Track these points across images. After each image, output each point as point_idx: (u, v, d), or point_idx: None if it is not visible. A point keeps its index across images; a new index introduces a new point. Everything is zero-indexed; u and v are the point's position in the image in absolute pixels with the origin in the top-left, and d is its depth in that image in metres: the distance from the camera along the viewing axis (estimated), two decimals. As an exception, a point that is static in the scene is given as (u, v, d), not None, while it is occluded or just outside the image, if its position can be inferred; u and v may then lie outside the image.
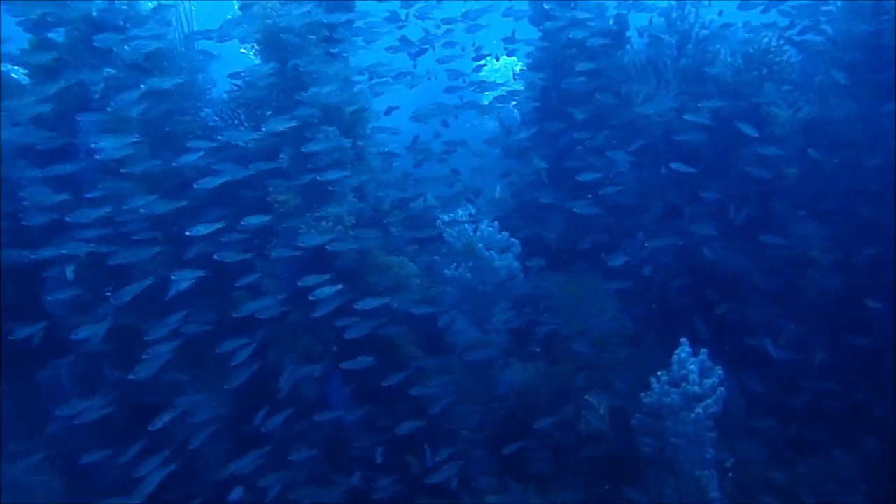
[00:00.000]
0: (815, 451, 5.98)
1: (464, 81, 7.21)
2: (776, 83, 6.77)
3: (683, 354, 5.59)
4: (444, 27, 7.46)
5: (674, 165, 6.42)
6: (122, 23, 6.11)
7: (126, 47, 5.89)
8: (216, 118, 6.71)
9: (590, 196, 6.66)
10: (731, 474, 5.74)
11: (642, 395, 5.69)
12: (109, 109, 5.68)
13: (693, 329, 6.48)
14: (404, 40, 7.36)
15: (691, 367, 5.55)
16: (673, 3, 7.42)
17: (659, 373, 5.65)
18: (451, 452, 5.75)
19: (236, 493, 5.24)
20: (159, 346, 5.25)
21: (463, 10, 7.23)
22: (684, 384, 5.52)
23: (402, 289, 6.23)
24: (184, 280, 5.42)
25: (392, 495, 5.58)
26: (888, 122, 6.37)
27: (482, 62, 8.51)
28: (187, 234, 5.51)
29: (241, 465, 5.32)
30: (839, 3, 6.93)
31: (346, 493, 5.63)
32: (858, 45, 6.76)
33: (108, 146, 5.42)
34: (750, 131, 6.27)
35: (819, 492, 5.58)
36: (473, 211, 6.76)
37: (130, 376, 5.18)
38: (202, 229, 5.52)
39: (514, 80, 7.72)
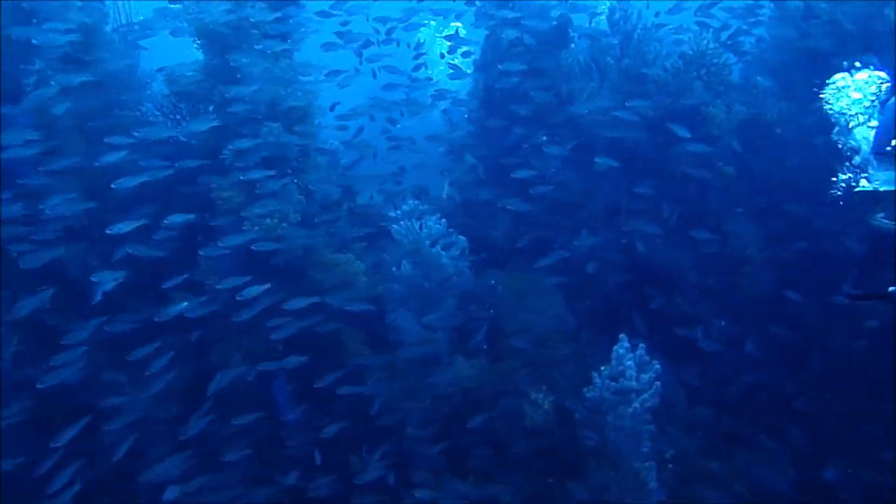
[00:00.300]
0: (747, 441, 6.20)
1: (408, 79, 7.22)
2: (713, 84, 6.97)
3: (622, 350, 5.70)
4: (387, 25, 7.48)
5: (598, 160, 6.52)
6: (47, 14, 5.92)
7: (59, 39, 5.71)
8: (157, 112, 6.57)
9: (530, 193, 6.73)
10: (670, 465, 5.89)
11: (585, 390, 5.80)
12: (31, 103, 5.52)
13: (632, 325, 6.65)
14: (345, 36, 7.34)
15: (628, 362, 5.67)
16: (615, 4, 7.57)
17: (601, 368, 5.76)
18: (390, 450, 5.77)
19: (171, 492, 5.16)
20: (71, 352, 5.13)
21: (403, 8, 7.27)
22: (622, 379, 5.65)
23: (348, 286, 6.21)
24: (107, 281, 5.31)
25: (329, 494, 5.58)
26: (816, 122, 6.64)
27: (421, 59, 8.52)
28: (108, 231, 5.41)
29: (167, 467, 5.24)
30: (771, 6, 7.16)
31: (282, 492, 5.60)
32: (789, 48, 7.01)
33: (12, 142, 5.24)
34: (682, 132, 6.43)
35: (750, 480, 5.78)
36: (421, 207, 6.77)
37: (39, 385, 5.05)
38: (124, 227, 5.42)
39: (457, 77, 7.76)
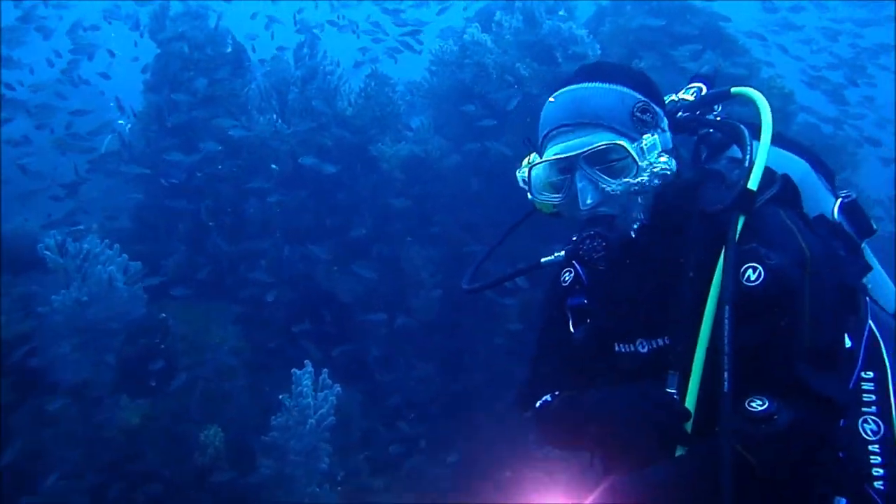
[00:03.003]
0: (415, 453, 6.70)
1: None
2: (387, 121, 7.50)
3: (299, 371, 5.83)
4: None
5: (253, 184, 6.63)
6: None
7: None
8: None
9: (211, 224, 6.60)
10: (339, 488, 6.12)
11: (272, 417, 5.79)
12: None
13: (308, 351, 6.82)
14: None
15: (305, 383, 5.81)
16: (303, 39, 7.81)
17: (282, 396, 5.81)
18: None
19: None
20: None
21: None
22: (300, 398, 5.76)
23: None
24: None
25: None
26: (471, 159, 7.49)
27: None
28: None
29: None
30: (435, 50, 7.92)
31: None
32: (452, 88, 7.80)
33: None
34: (328, 168, 6.83)
35: (413, 490, 6.25)
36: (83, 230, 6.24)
37: None
38: None
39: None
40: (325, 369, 5.88)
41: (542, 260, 2.06)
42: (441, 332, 7.64)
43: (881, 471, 1.72)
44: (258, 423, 6.16)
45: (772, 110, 1.92)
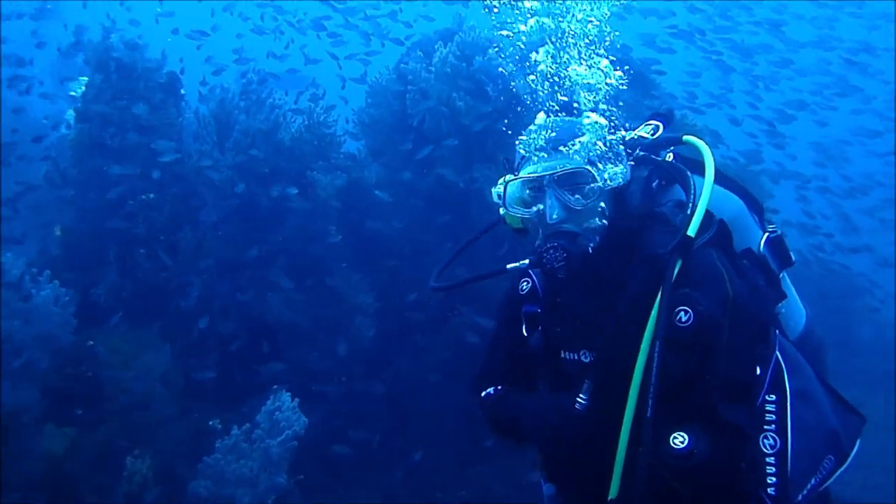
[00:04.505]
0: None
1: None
2: (324, 150, 7.63)
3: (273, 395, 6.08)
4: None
5: (187, 212, 6.70)
6: None
7: None
8: None
9: (143, 251, 6.60)
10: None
11: (220, 441, 5.90)
12: None
13: (253, 375, 6.86)
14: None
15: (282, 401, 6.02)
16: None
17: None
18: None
19: None
20: None
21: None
22: (277, 413, 5.99)
23: None
24: None
25: None
26: (406, 188, 7.67)
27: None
28: None
29: None
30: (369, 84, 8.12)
31: None
32: (388, 121, 8.00)
33: None
34: (291, 190, 6.94)
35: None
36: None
37: None
38: None
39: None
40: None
41: (508, 266, 2.29)
42: (381, 353, 7.77)
43: (774, 479, 2.01)
44: (188, 451, 6.17)
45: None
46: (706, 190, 2.14)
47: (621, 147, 2.24)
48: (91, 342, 6.27)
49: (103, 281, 6.57)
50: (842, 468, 2.22)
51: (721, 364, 2.01)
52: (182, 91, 7.13)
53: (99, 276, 6.61)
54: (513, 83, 7.45)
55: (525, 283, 2.39)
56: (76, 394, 6.07)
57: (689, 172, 2.25)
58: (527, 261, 2.22)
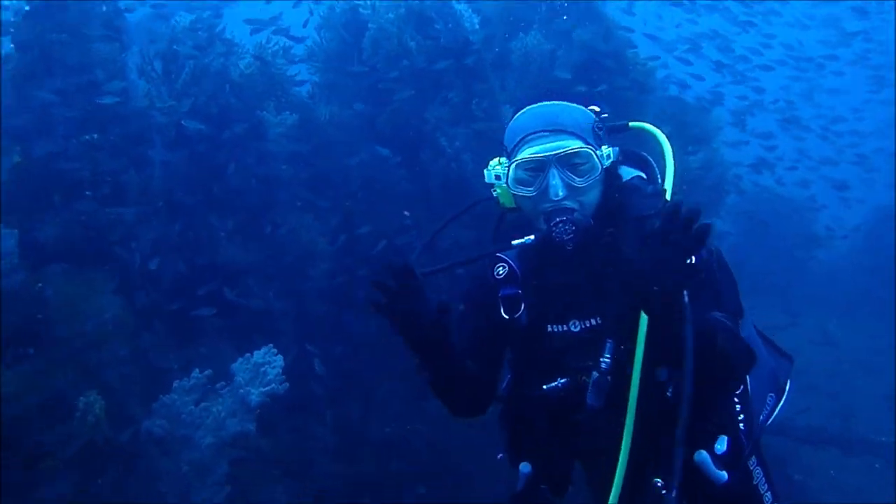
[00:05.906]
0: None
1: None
2: (276, 90, 7.50)
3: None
4: None
5: (134, 153, 6.63)
6: None
7: None
8: None
9: (89, 193, 6.50)
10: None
11: (178, 381, 6.02)
12: None
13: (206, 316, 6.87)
14: None
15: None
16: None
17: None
18: None
19: None
20: None
21: None
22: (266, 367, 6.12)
23: None
24: None
25: None
26: (360, 122, 7.58)
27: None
28: None
29: None
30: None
31: None
32: (339, 53, 7.84)
33: None
34: (238, 128, 6.81)
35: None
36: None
37: None
38: None
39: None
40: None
41: (514, 242, 2.41)
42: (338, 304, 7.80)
43: (742, 416, 2.44)
44: (142, 391, 6.23)
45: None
46: (669, 165, 2.44)
47: (605, 129, 2.49)
48: (40, 284, 6.23)
49: (51, 223, 6.47)
50: (780, 404, 2.68)
51: (721, 295, 2.35)
52: (124, 25, 6.88)
53: (46, 218, 6.51)
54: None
55: (501, 268, 2.52)
56: (26, 336, 6.07)
57: (649, 158, 2.66)
58: (532, 237, 2.37)
